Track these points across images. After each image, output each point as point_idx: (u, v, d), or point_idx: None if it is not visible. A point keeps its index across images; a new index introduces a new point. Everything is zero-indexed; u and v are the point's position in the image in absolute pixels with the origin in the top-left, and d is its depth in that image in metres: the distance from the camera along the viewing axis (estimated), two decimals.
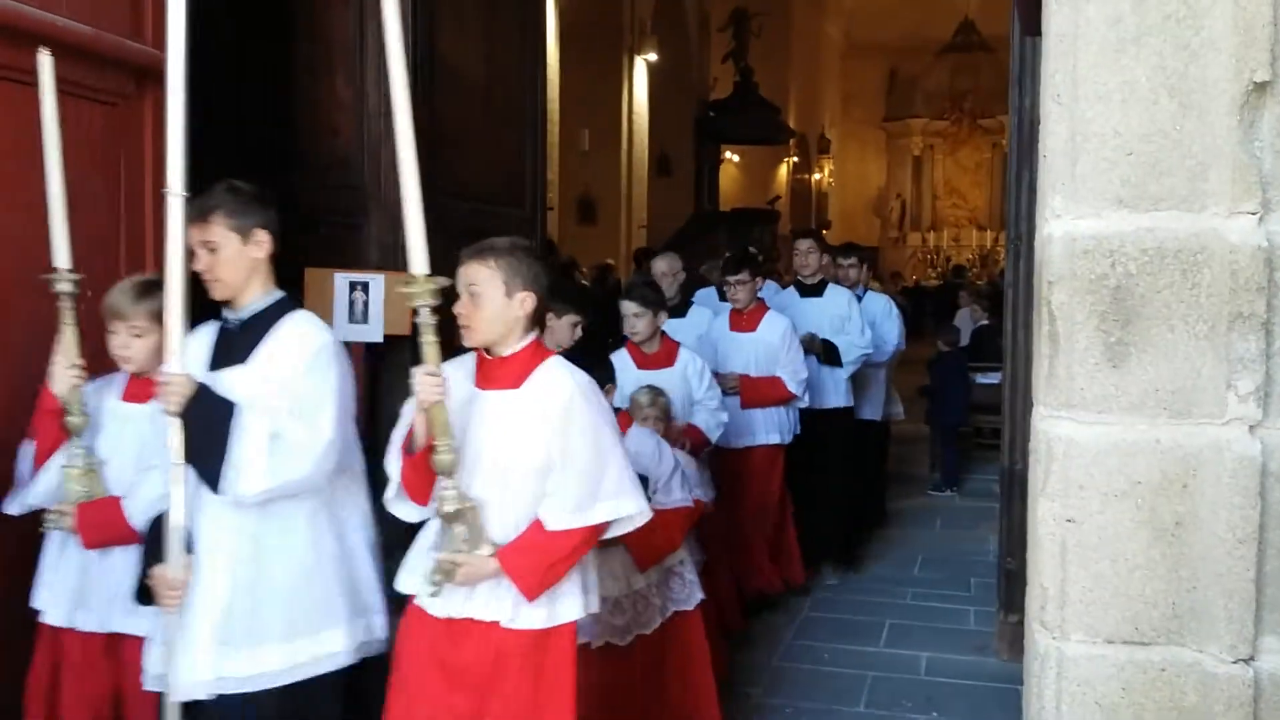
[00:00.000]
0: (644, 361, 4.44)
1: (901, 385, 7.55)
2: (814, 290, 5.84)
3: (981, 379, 8.39)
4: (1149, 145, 1.67)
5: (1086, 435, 1.72)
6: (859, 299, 6.17)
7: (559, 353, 2.88)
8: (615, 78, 14.77)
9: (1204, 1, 1.64)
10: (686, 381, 4.46)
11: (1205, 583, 1.70)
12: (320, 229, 4.85)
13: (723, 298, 5.88)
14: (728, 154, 19.58)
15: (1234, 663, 1.68)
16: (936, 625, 5.01)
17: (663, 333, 4.53)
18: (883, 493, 7.03)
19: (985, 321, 10.09)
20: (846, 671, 4.45)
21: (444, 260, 4.93)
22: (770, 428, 5.15)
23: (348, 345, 4.60)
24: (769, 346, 5.15)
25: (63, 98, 3.07)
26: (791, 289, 6.01)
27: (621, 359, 4.46)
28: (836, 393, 5.67)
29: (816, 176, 24.32)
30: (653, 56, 15.26)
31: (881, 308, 6.37)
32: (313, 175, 4.85)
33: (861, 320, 5.73)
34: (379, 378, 4.67)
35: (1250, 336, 1.64)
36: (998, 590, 4.77)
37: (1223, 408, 1.67)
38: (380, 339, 4.66)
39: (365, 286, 4.68)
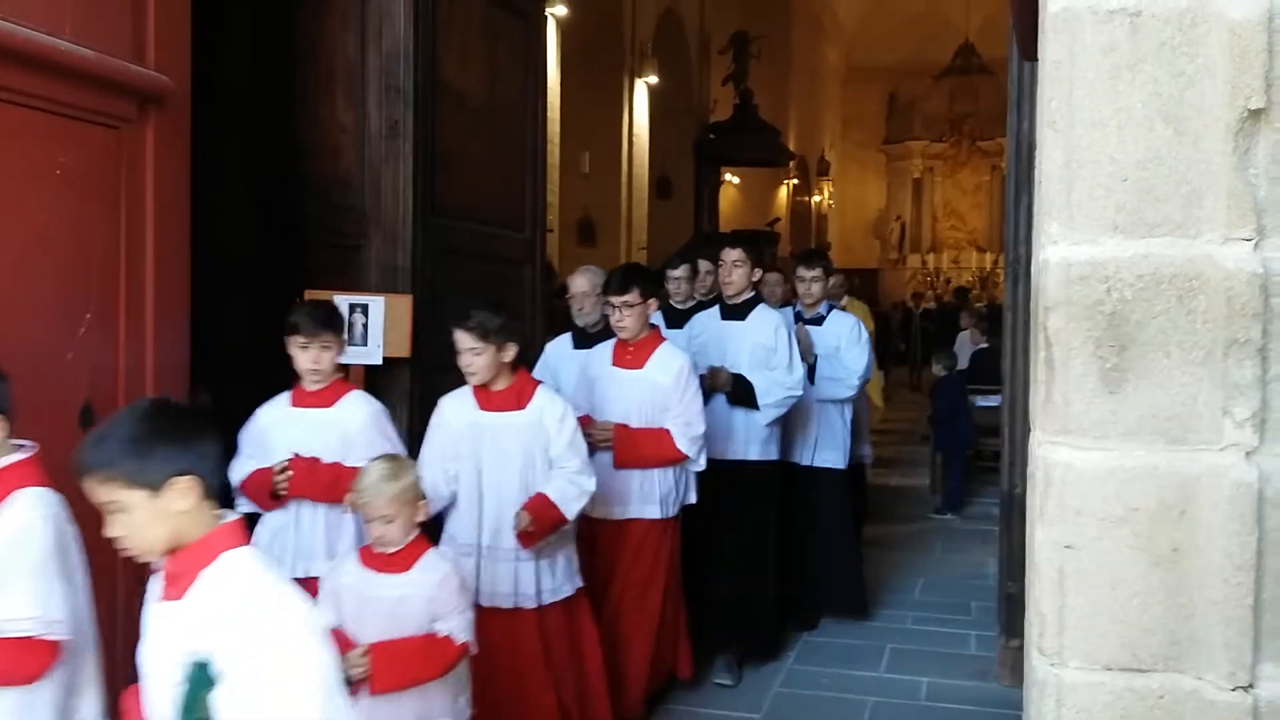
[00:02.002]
0: (487, 402, 3.55)
1: (906, 409, 7.55)
2: (738, 311, 4.81)
3: (981, 402, 8.40)
4: (1144, 172, 1.67)
5: (1084, 461, 1.72)
6: (821, 317, 5.47)
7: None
8: (616, 100, 14.83)
9: (1199, 29, 1.65)
10: (542, 431, 3.53)
11: (1203, 610, 1.69)
12: (321, 251, 4.86)
13: (672, 321, 5.13)
14: (728, 176, 19.63)
15: (1232, 690, 1.67)
16: (937, 650, 4.99)
17: (521, 366, 3.64)
18: (853, 554, 5.63)
19: (985, 344, 10.09)
20: (847, 697, 4.43)
21: (446, 281, 4.97)
22: (647, 496, 4.10)
23: (347, 368, 4.64)
24: (658, 389, 4.07)
25: (64, 121, 3.10)
26: (714, 309, 4.97)
27: (458, 401, 3.61)
28: (751, 442, 4.66)
29: (816, 199, 24.39)
30: (653, 79, 15.33)
31: (847, 330, 5.45)
32: (314, 196, 4.87)
33: (791, 352, 4.66)
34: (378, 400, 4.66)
35: (1246, 363, 1.64)
36: (998, 614, 4.75)
37: (1219, 434, 1.67)
38: (379, 361, 4.67)
39: (365, 309, 4.69)
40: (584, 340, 4.66)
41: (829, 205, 25.24)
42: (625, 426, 4.07)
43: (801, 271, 5.63)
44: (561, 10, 11.52)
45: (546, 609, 3.60)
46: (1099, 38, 1.66)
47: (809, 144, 23.24)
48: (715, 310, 4.96)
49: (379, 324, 4.66)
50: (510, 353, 3.47)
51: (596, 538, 4.11)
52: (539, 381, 3.65)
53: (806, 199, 23.67)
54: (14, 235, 2.92)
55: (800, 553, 5.21)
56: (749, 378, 4.64)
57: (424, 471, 3.27)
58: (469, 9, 5.21)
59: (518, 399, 3.54)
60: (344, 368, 3.69)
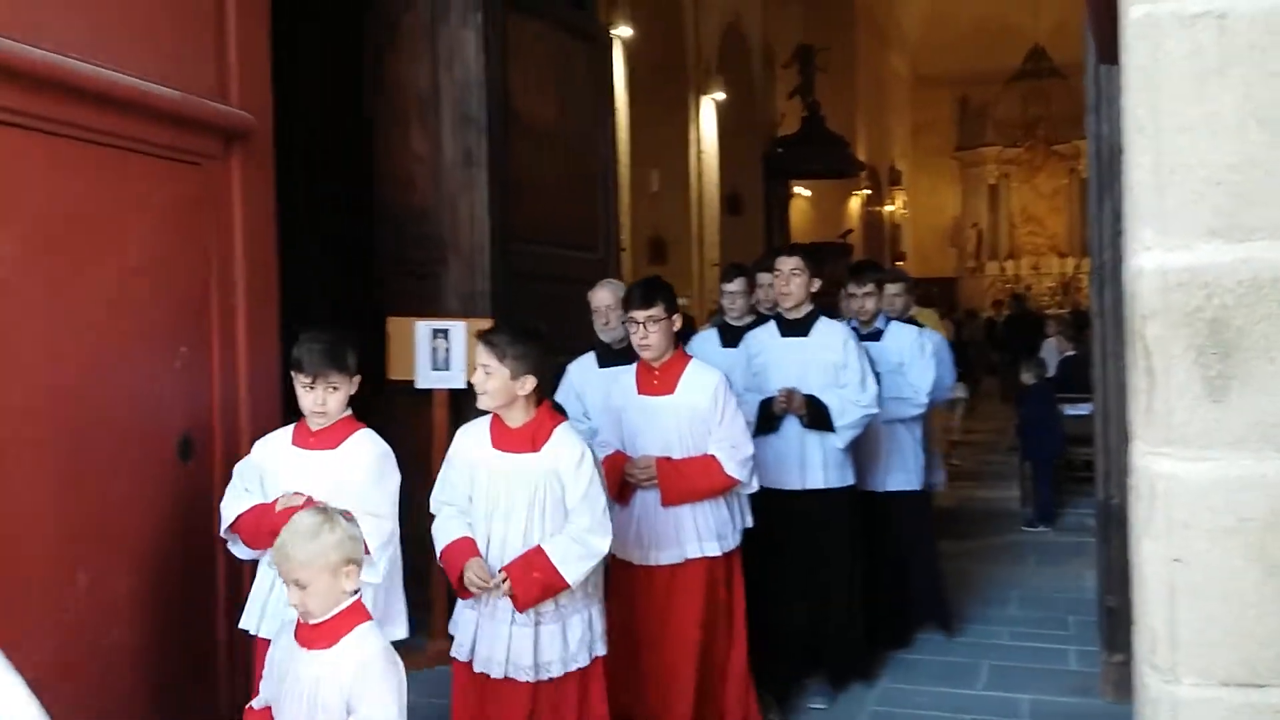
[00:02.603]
0: (502, 440, 3.10)
1: (989, 419, 7.41)
2: (798, 326, 4.40)
3: (1071, 410, 8.20)
4: (1238, 175, 1.62)
5: (1189, 472, 1.66)
6: (879, 332, 5.04)
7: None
8: (683, 118, 14.88)
9: None
10: (556, 479, 3.06)
11: None
12: (400, 279, 4.95)
13: (729, 339, 4.78)
14: (797, 189, 19.56)
15: None
16: (1037, 666, 4.86)
17: (545, 401, 3.17)
18: (934, 572, 5.36)
19: (1072, 352, 9.87)
20: (945, 715, 4.33)
21: (522, 304, 5.02)
22: (705, 532, 3.67)
23: (430, 392, 4.71)
24: (696, 414, 3.66)
25: (154, 160, 3.20)
26: (770, 325, 4.53)
27: (472, 434, 3.17)
28: (830, 467, 4.34)
29: (889, 208, 24.17)
30: (719, 95, 15.35)
31: (909, 344, 5.03)
32: (392, 226, 4.96)
33: (862, 367, 4.31)
34: (461, 424, 4.73)
35: None
36: (1099, 629, 4.63)
37: None
38: (463, 385, 4.73)
39: (446, 334, 4.76)
40: (609, 357, 4.29)
41: (902, 214, 24.98)
42: (668, 460, 3.64)
43: (852, 287, 5.15)
44: (626, 31, 11.61)
45: (547, 683, 3.09)
46: (1184, 42, 1.62)
47: (879, 154, 23.05)
48: (771, 326, 4.50)
49: (460, 349, 4.73)
50: (527, 385, 3.01)
51: (654, 586, 3.65)
52: (561, 419, 3.16)
53: (879, 209, 23.47)
54: (110, 272, 3.02)
55: (884, 574, 4.92)
56: (821, 398, 4.28)
57: (438, 517, 3.12)
58: (538, 37, 5.29)
59: (533, 439, 3.06)
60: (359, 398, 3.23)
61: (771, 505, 4.11)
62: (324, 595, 2.36)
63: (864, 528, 4.62)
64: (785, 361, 4.36)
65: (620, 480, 3.65)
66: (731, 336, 4.83)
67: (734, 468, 3.65)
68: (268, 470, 3.05)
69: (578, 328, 4.58)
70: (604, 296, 4.38)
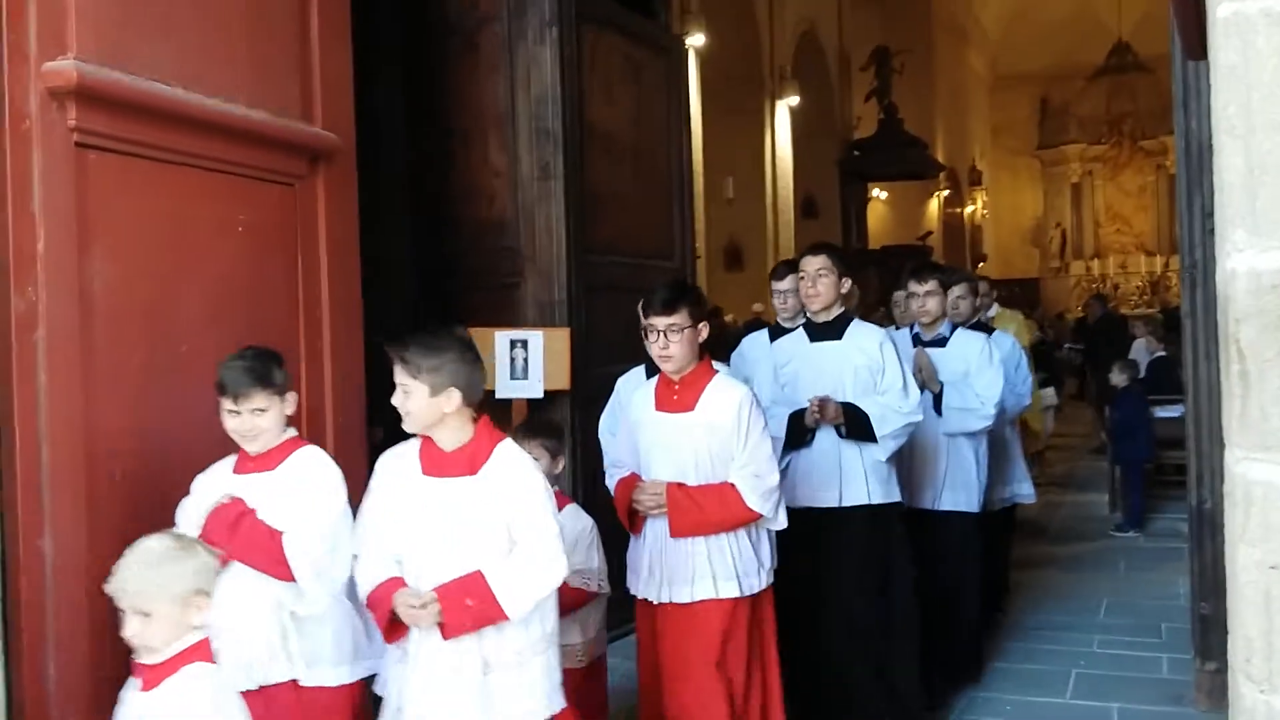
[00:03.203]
0: (433, 464, 2.71)
1: (1072, 423, 7.25)
2: (829, 330, 4.04)
3: (1161, 413, 7.99)
4: None
5: None
6: (944, 338, 4.70)
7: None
8: (757, 124, 14.85)
9: None
10: (497, 506, 2.63)
11: None
12: (479, 291, 5.03)
13: (774, 334, 4.49)
14: (875, 192, 19.37)
15: None
16: (1127, 674, 4.74)
17: (483, 416, 2.72)
18: (970, 609, 4.73)
19: (1162, 353, 9.62)
20: None
21: (599, 315, 5.06)
22: (721, 569, 3.23)
23: (508, 402, 4.76)
24: (715, 434, 3.23)
25: (243, 181, 3.30)
26: (798, 331, 4.18)
27: (399, 459, 2.76)
28: (874, 481, 3.92)
29: (969, 209, 23.79)
30: (794, 100, 15.29)
31: (976, 351, 4.63)
32: (470, 239, 5.04)
33: (903, 371, 3.97)
34: None
35: None
36: (1192, 636, 4.50)
37: None
38: (540, 394, 4.79)
39: (524, 344, 4.82)
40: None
41: (983, 215, 24.57)
42: (680, 486, 3.21)
43: (913, 286, 4.73)
44: (700, 40, 11.62)
45: None
46: (1273, 39, 1.58)
47: (958, 154, 22.72)
48: (799, 334, 4.15)
49: (539, 358, 4.78)
50: (453, 400, 2.59)
51: (669, 623, 3.25)
52: (502, 436, 2.73)
53: (959, 210, 23.13)
54: (203, 290, 3.12)
55: (941, 603, 4.47)
56: (859, 405, 3.91)
57: (357, 561, 2.70)
58: (612, 50, 5.33)
59: (470, 462, 2.63)
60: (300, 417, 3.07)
61: (808, 528, 3.76)
62: (166, 629, 2.14)
63: (917, 552, 4.20)
64: (817, 369, 3.99)
65: (630, 506, 3.32)
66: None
67: (756, 499, 3.20)
68: (207, 504, 2.78)
69: None
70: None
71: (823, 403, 3.87)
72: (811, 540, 3.82)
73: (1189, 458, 4.48)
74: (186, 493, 2.90)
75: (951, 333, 4.76)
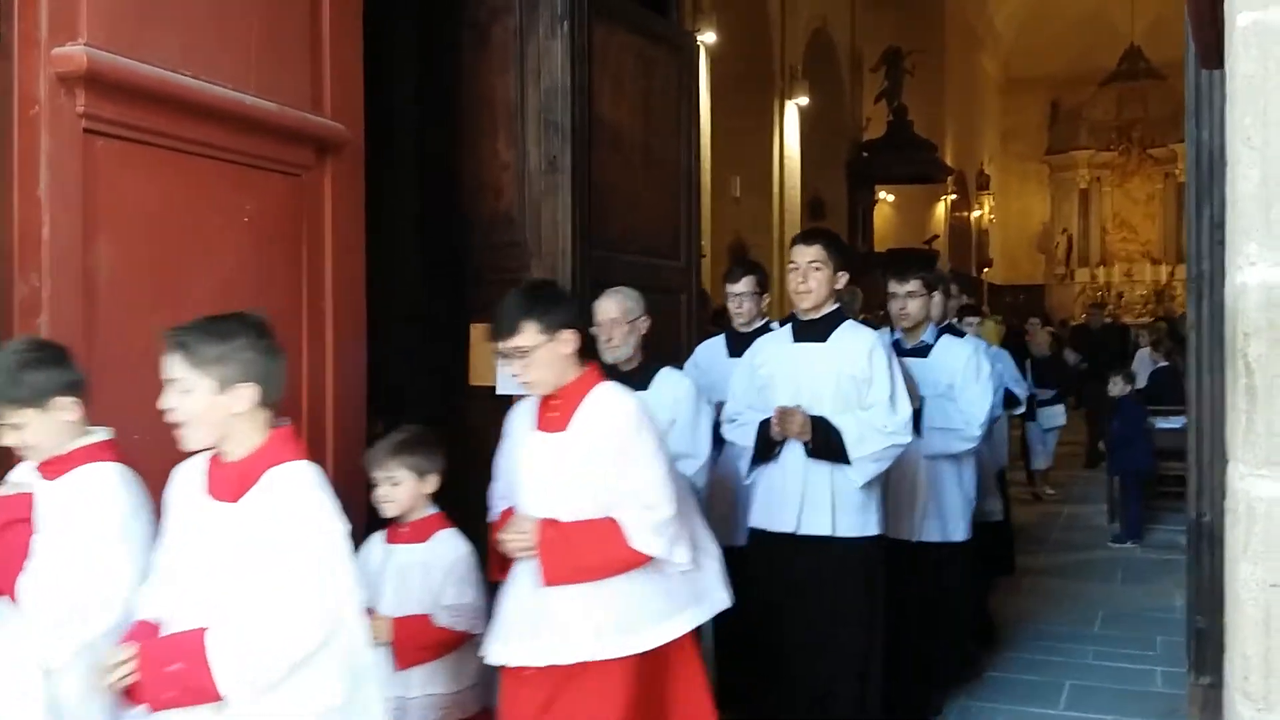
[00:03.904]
0: (216, 483, 2.21)
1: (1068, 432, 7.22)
2: (815, 330, 3.57)
3: (1162, 424, 7.98)
4: None
5: None
6: (926, 346, 4.26)
7: None
8: (766, 123, 14.82)
9: None
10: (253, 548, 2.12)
11: None
12: (485, 286, 5.01)
13: (736, 348, 4.14)
14: (882, 194, 19.34)
15: None
16: (1121, 687, 4.74)
17: (284, 430, 2.24)
18: (946, 655, 4.44)
19: (1164, 363, 9.60)
20: None
21: None
22: (605, 625, 2.60)
23: (509, 398, 4.75)
24: (592, 460, 2.63)
25: (250, 171, 3.29)
26: (783, 330, 3.76)
27: (183, 479, 2.32)
28: (842, 510, 3.46)
29: (976, 214, 23.74)
30: (804, 100, 15.25)
31: (963, 362, 4.19)
32: (478, 234, 5.03)
33: (893, 384, 3.47)
34: None
35: None
36: (1187, 650, 4.48)
37: None
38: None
39: None
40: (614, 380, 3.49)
41: (990, 220, 24.52)
42: (552, 523, 2.61)
43: (893, 286, 4.29)
44: (711, 37, 11.60)
45: None
46: None
47: (967, 158, 22.67)
48: (784, 331, 3.71)
49: None
50: (241, 398, 2.14)
51: (529, 693, 2.63)
52: (293, 452, 2.20)
53: (966, 214, 23.07)
54: (209, 279, 3.12)
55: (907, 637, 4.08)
56: (834, 421, 3.44)
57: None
58: (623, 45, 5.31)
59: (238, 483, 2.15)
60: None
61: (764, 554, 3.51)
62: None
63: (893, 589, 3.79)
64: (794, 374, 3.55)
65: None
66: (739, 345, 4.21)
67: (644, 538, 2.59)
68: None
69: (661, 335, 4.58)
70: (608, 308, 3.66)
71: (785, 414, 3.42)
72: (768, 568, 3.49)
73: (1189, 470, 4.46)
74: None
75: (936, 340, 4.30)
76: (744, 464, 3.68)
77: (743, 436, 3.64)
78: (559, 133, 4.85)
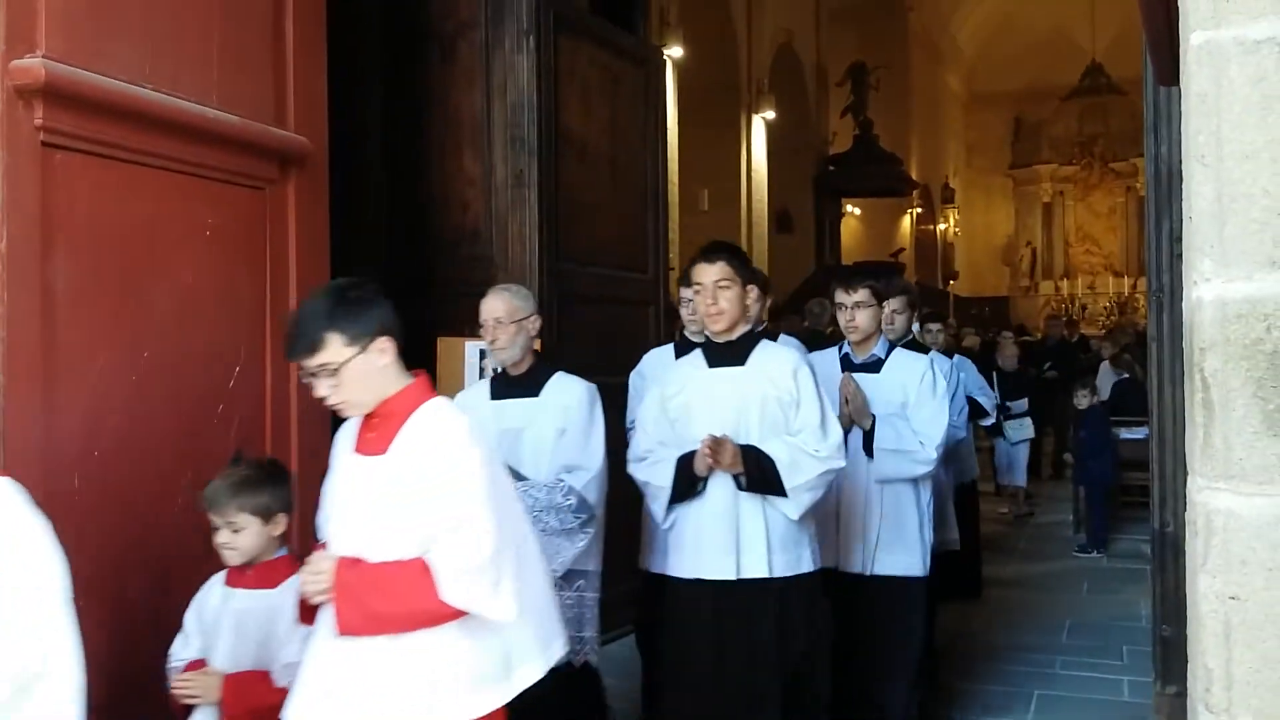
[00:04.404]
0: None
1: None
2: (731, 353, 3.30)
3: (1126, 434, 8.07)
4: None
5: (1248, 508, 1.62)
6: (878, 361, 3.93)
7: None
8: (733, 137, 14.89)
9: None
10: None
11: None
12: (451, 300, 4.99)
13: (681, 350, 3.99)
14: (849, 208, 19.47)
15: None
16: (1088, 696, 4.77)
17: None
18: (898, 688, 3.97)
19: (1127, 375, 9.72)
20: None
21: (571, 325, 5.04)
22: (406, 687, 2.17)
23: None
24: (403, 489, 2.18)
25: (212, 184, 3.26)
26: (695, 354, 3.45)
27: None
28: (779, 548, 3.20)
29: (941, 227, 23.96)
30: (770, 114, 15.34)
31: (918, 378, 3.87)
32: (445, 247, 5.01)
33: (822, 406, 3.23)
34: None
35: None
36: (1153, 659, 4.53)
37: None
38: None
39: None
40: (504, 388, 3.46)
41: (955, 233, 24.75)
42: (352, 564, 2.18)
43: (840, 296, 3.95)
44: (678, 52, 11.65)
45: None
46: (1246, 69, 1.59)
47: (932, 172, 22.88)
48: (695, 357, 3.41)
49: None
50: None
51: None
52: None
53: (931, 228, 23.27)
54: (169, 294, 3.08)
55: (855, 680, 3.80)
56: (764, 449, 3.17)
57: None
58: (590, 59, 5.32)
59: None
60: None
61: (691, 602, 3.23)
62: None
63: (840, 623, 3.54)
64: (712, 401, 3.25)
65: None
66: (689, 352, 3.85)
67: (454, 587, 2.11)
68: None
69: (629, 350, 4.58)
70: (492, 307, 3.38)
71: (716, 444, 3.11)
72: (700, 618, 3.21)
73: (1152, 481, 4.51)
74: (148, 498, 2.86)
75: (888, 354, 3.98)
76: (658, 506, 3.28)
77: (658, 475, 3.26)
78: (525, 147, 4.85)
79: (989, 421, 7.10)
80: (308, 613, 2.37)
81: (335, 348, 2.18)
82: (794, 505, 3.18)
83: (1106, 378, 10.01)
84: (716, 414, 3.23)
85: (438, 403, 2.28)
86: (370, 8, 5.01)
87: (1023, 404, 9.07)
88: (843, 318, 3.96)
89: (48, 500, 2.66)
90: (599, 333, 5.22)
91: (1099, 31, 21.60)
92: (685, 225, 13.10)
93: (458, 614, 2.15)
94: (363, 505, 2.23)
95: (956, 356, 6.45)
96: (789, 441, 3.19)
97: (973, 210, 25.90)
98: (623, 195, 5.64)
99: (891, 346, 4.04)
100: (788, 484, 3.15)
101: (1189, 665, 1.89)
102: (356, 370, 2.20)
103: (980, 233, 26.04)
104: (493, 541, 2.15)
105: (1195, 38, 1.64)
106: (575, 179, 5.18)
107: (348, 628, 2.16)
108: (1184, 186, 1.72)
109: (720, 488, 3.20)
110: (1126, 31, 16.60)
